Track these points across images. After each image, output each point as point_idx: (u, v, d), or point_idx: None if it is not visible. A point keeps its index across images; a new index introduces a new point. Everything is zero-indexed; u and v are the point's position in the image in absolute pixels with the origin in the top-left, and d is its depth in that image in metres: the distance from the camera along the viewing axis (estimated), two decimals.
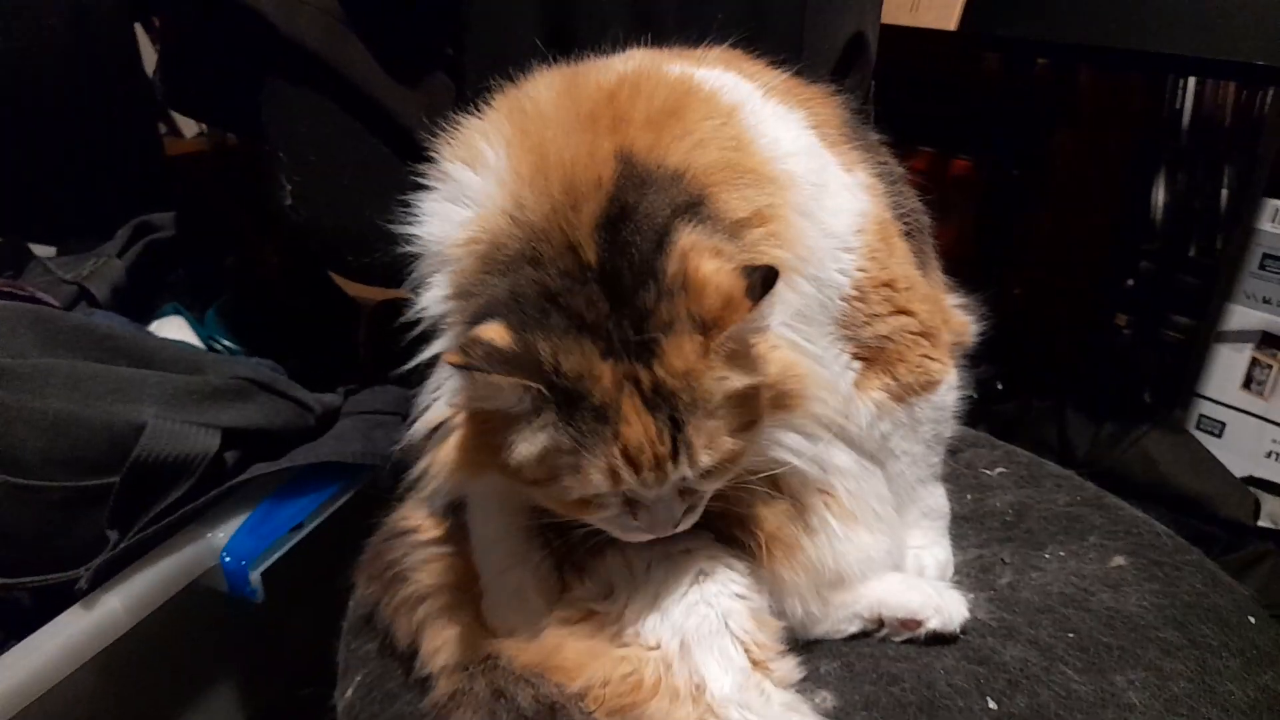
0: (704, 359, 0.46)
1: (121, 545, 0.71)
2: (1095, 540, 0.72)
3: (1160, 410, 1.50)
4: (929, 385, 0.63)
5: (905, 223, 0.65)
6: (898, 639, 0.63)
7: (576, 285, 0.46)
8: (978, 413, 0.73)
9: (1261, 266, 1.39)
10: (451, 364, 0.45)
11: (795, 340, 0.53)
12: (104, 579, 0.71)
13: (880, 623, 0.63)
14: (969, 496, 0.80)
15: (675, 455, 0.47)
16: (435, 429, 0.54)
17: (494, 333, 0.45)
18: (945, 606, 0.62)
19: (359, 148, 0.82)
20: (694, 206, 0.49)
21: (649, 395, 0.46)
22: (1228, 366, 1.45)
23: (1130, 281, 1.59)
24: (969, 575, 0.70)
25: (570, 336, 0.46)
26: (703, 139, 0.51)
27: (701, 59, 0.62)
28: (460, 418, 0.51)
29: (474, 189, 0.53)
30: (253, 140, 0.85)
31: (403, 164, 0.80)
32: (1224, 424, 1.47)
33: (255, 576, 0.78)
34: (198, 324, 1.01)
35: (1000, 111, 1.55)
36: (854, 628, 0.63)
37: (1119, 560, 0.69)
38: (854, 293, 0.57)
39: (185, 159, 1.46)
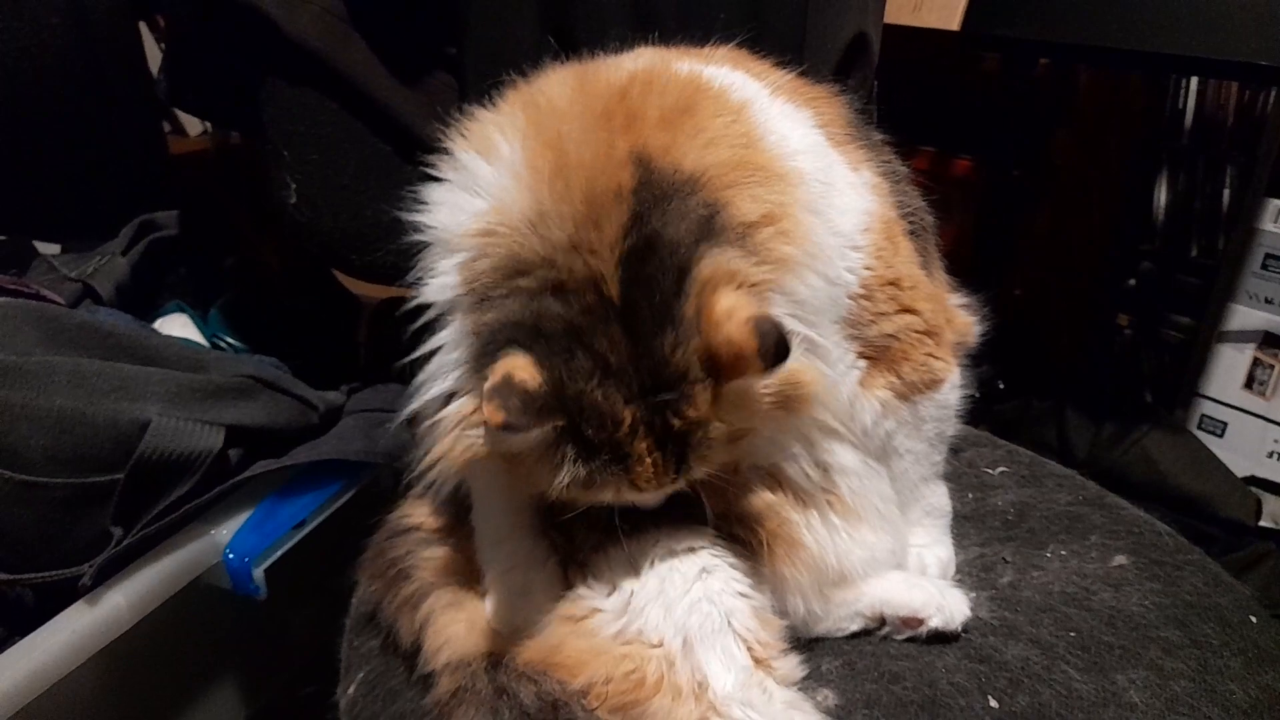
0: (713, 406, 0.48)
1: (125, 542, 0.71)
2: (1096, 540, 0.72)
3: (1161, 410, 1.50)
4: (933, 384, 0.63)
5: (909, 222, 0.65)
6: (899, 637, 0.63)
7: (600, 325, 0.48)
8: (979, 412, 0.73)
9: (1263, 266, 1.39)
10: (491, 422, 0.45)
11: (805, 334, 0.53)
12: (107, 576, 0.71)
13: (882, 621, 0.63)
14: (970, 495, 0.80)
15: (676, 476, 0.51)
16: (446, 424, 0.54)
17: (525, 372, 0.46)
18: (947, 605, 0.62)
19: (361, 147, 0.82)
20: (710, 219, 0.49)
21: (660, 437, 0.49)
22: (1229, 366, 1.45)
23: (1131, 281, 1.59)
24: (970, 574, 0.70)
25: (594, 381, 0.47)
26: (714, 137, 0.51)
27: (709, 57, 0.62)
28: (475, 420, 0.51)
29: (487, 179, 0.53)
30: (256, 139, 0.85)
31: (405, 163, 0.81)
32: (1225, 424, 1.47)
33: (258, 574, 0.78)
34: (201, 322, 1.02)
35: (1002, 111, 1.55)
36: (856, 626, 0.63)
37: (1120, 559, 0.69)
38: (860, 291, 0.57)
39: (189, 157, 1.46)
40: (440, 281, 0.54)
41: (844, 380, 0.59)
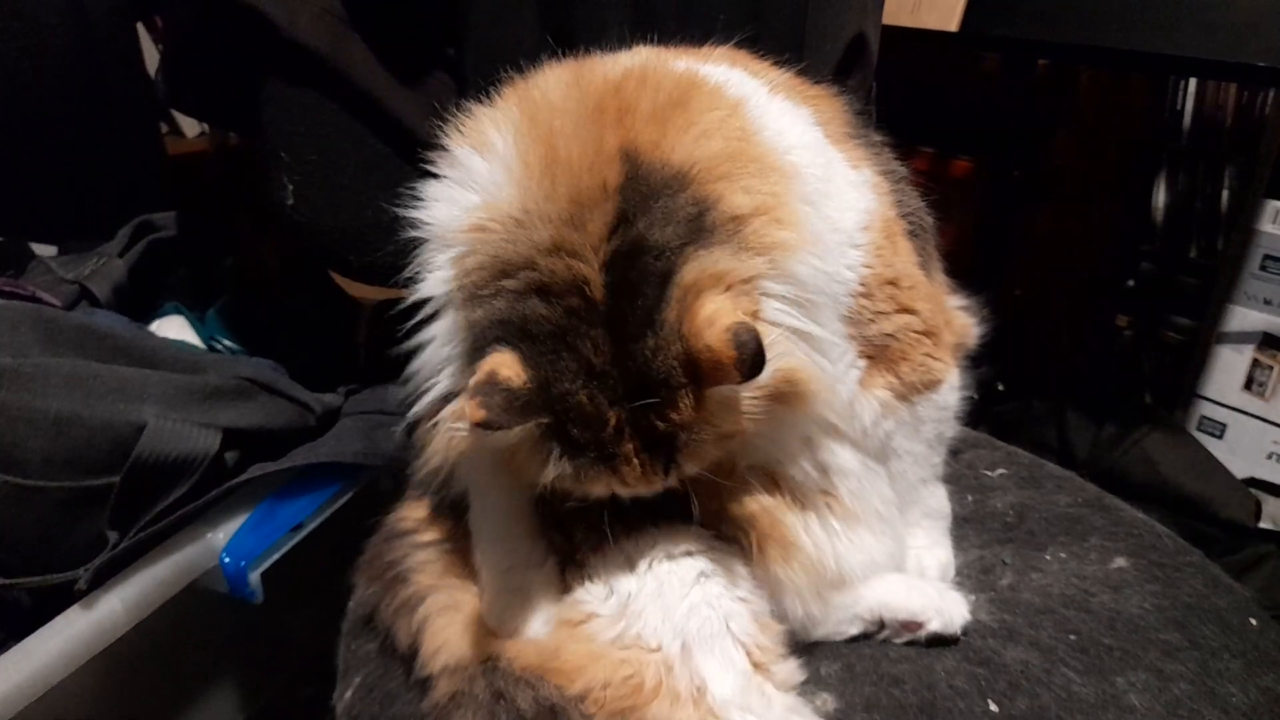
0: (696, 410, 0.49)
1: (121, 545, 0.71)
2: (1096, 542, 0.71)
3: (1161, 411, 1.50)
4: (931, 384, 0.63)
5: (909, 223, 0.65)
6: (898, 640, 0.63)
7: (584, 327, 0.48)
8: (978, 413, 0.73)
9: (1262, 267, 1.39)
10: (473, 419, 0.45)
11: (806, 328, 0.52)
12: (104, 579, 0.71)
13: (881, 624, 0.63)
14: (970, 497, 0.80)
15: (665, 475, 0.51)
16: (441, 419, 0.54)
17: (510, 370, 0.46)
18: (946, 608, 0.62)
19: (360, 148, 0.82)
20: (700, 217, 0.49)
21: (646, 439, 0.49)
22: (1228, 368, 1.45)
23: (1131, 282, 1.59)
24: (970, 576, 0.70)
25: (580, 382, 0.48)
26: (707, 130, 0.51)
27: (707, 56, 0.62)
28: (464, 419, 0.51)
29: (481, 175, 0.53)
30: (254, 140, 0.85)
31: (404, 164, 0.80)
32: (1225, 425, 1.47)
33: (255, 577, 0.78)
34: (199, 324, 1.01)
35: (1001, 112, 1.55)
36: (855, 629, 0.63)
37: (1120, 562, 0.69)
38: (860, 289, 0.57)
39: (187, 159, 1.46)
40: (436, 276, 0.54)
41: (845, 378, 0.59)
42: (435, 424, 0.54)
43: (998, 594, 0.67)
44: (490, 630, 0.60)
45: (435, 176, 0.56)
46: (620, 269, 0.48)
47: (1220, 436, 1.47)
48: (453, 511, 0.65)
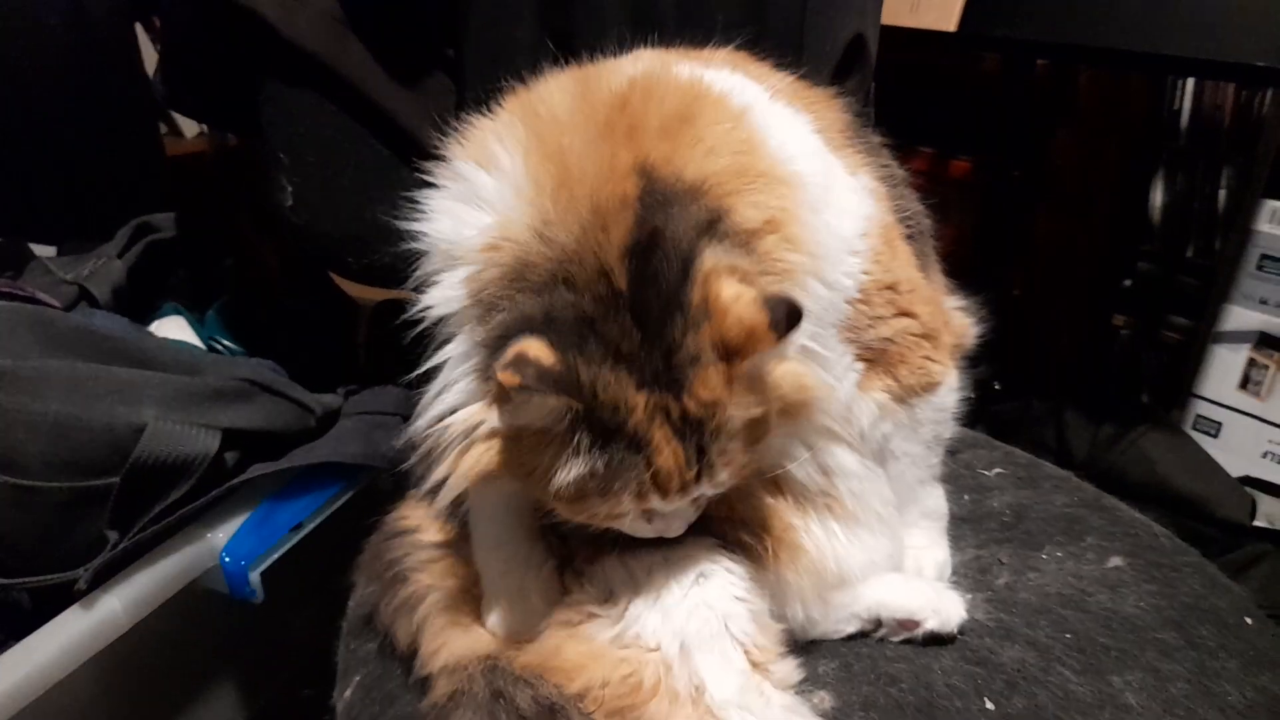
0: (727, 388, 0.48)
1: (121, 546, 0.71)
2: (1093, 541, 0.72)
3: (1158, 411, 1.50)
4: (930, 386, 0.63)
5: (907, 225, 0.65)
6: (896, 639, 0.63)
7: (610, 313, 0.47)
8: (976, 413, 0.73)
9: (1259, 267, 1.40)
10: (506, 384, 0.45)
11: (807, 345, 0.53)
12: (103, 580, 0.71)
13: (878, 623, 0.63)
14: (967, 497, 0.80)
15: (698, 476, 0.49)
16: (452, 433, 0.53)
17: (539, 350, 0.46)
18: (943, 607, 0.62)
19: (359, 149, 0.81)
20: (713, 224, 0.49)
21: (678, 424, 0.47)
22: (1225, 367, 1.45)
23: (1128, 282, 1.60)
24: (967, 576, 0.70)
25: (607, 365, 0.47)
26: (715, 145, 0.51)
27: (709, 60, 0.62)
28: (485, 430, 0.50)
29: (489, 192, 0.52)
30: (252, 141, 0.85)
31: (403, 166, 0.80)
32: (1220, 424, 1.47)
33: (255, 577, 0.78)
34: (198, 324, 1.02)
35: (999, 112, 1.55)
36: (852, 628, 0.63)
37: (1117, 561, 0.69)
38: (858, 295, 0.57)
39: (186, 159, 1.46)
40: (443, 293, 0.53)
41: (842, 383, 0.59)
42: (444, 431, 0.53)
43: (995, 593, 0.68)
44: (490, 630, 0.60)
45: (434, 186, 0.56)
46: (641, 259, 0.47)
47: (1216, 436, 1.48)
48: (453, 512, 0.65)
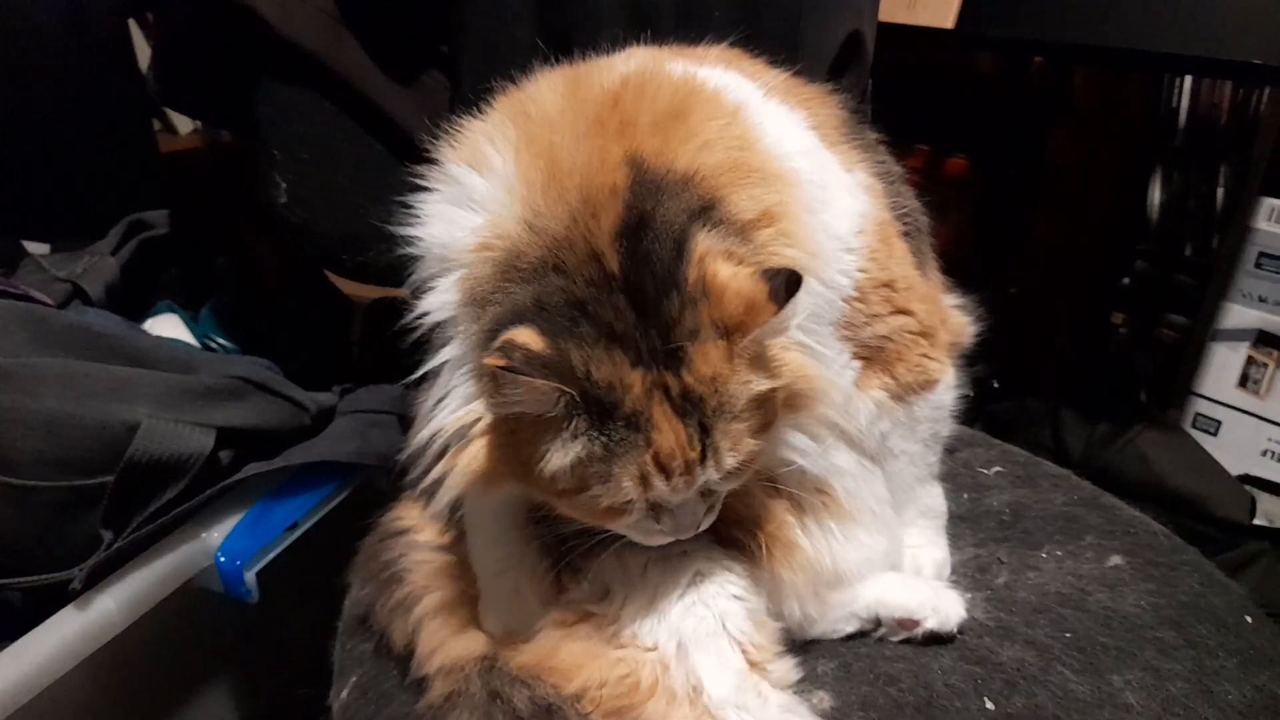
0: (729, 363, 0.47)
1: (115, 545, 0.71)
2: (1092, 540, 0.72)
3: (1156, 409, 1.50)
4: (927, 384, 0.63)
5: (904, 223, 0.65)
6: (895, 639, 0.63)
7: (603, 294, 0.47)
8: (973, 411, 0.73)
9: (1257, 265, 1.39)
10: (493, 367, 0.44)
11: (805, 341, 0.53)
12: (98, 579, 0.70)
13: (877, 623, 0.63)
14: (966, 496, 0.80)
15: (703, 459, 0.48)
16: (447, 432, 0.52)
17: (527, 337, 0.45)
18: (942, 606, 0.62)
19: (354, 146, 0.81)
20: (707, 211, 0.49)
21: (678, 402, 0.47)
22: (1223, 365, 1.45)
23: (1126, 280, 1.59)
24: (966, 575, 0.70)
25: (600, 346, 0.46)
26: (709, 140, 0.51)
27: (702, 58, 0.61)
28: (482, 426, 0.50)
29: (481, 193, 0.52)
30: (247, 138, 0.85)
31: (398, 163, 0.80)
32: (1219, 422, 1.47)
33: (250, 577, 0.77)
34: (192, 322, 1.01)
35: (996, 110, 1.55)
36: (851, 628, 0.63)
37: (1116, 560, 0.69)
38: (854, 293, 0.57)
39: (180, 156, 1.45)
40: (439, 298, 0.53)
41: (840, 379, 0.58)
42: (431, 422, 0.53)
43: (994, 592, 0.67)
44: (486, 631, 0.60)
45: (427, 189, 0.55)
46: (632, 241, 0.47)
47: (1215, 434, 1.47)
48: (449, 512, 0.64)
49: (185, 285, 1.06)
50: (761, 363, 0.48)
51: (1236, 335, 1.42)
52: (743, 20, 0.75)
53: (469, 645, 0.59)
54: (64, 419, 0.71)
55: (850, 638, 0.63)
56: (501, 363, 0.44)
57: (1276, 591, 1.20)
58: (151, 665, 0.78)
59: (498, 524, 0.60)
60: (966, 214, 1.60)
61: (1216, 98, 1.45)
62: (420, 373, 0.55)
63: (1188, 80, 1.46)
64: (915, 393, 0.63)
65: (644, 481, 0.47)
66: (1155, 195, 1.54)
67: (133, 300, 1.01)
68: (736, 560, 0.57)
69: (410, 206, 0.55)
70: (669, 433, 0.46)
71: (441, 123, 0.57)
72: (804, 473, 0.58)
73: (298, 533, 0.83)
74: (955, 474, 0.81)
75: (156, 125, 1.46)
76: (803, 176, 0.54)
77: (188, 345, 0.96)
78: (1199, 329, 1.46)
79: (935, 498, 0.71)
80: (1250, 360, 1.42)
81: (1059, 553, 0.71)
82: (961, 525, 0.75)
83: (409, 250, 0.55)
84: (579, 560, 0.57)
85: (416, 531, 0.67)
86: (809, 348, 0.53)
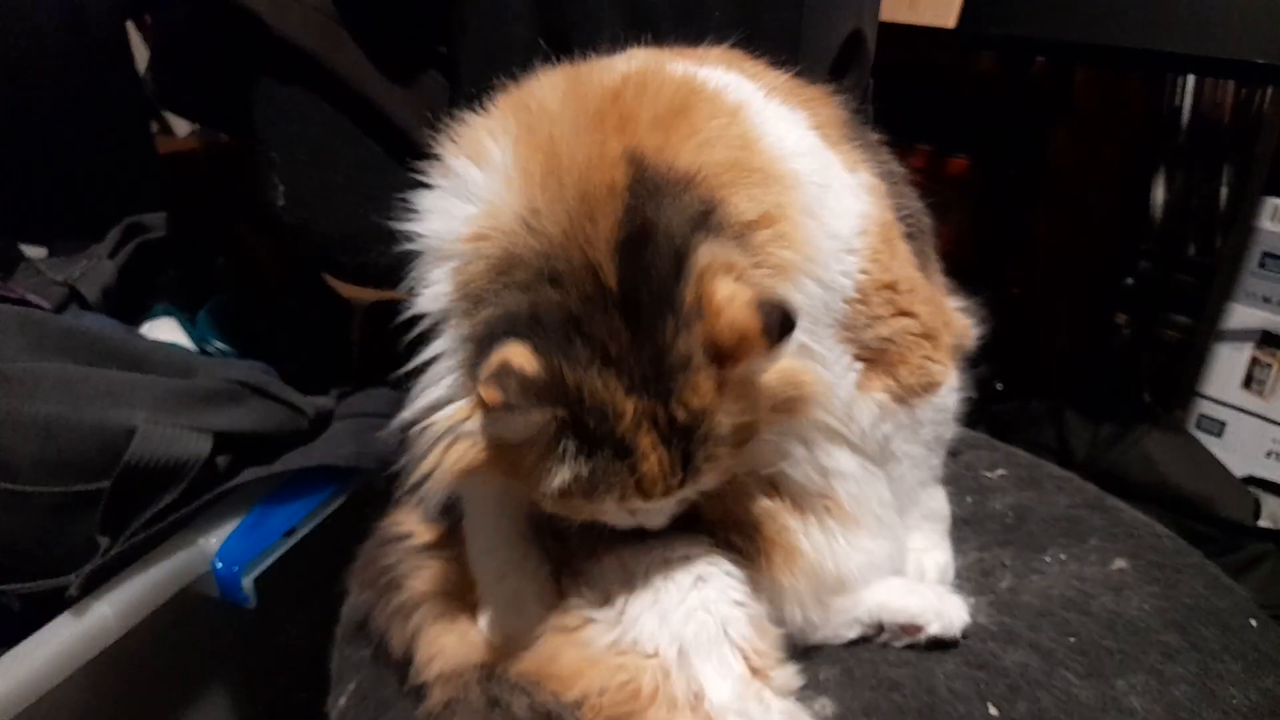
0: (717, 395, 0.47)
1: (112, 551, 0.70)
2: (1096, 543, 0.71)
3: (1160, 410, 1.50)
4: (930, 387, 0.62)
5: (907, 224, 0.65)
6: (898, 644, 0.62)
7: (598, 312, 0.46)
8: (976, 413, 0.73)
9: (1261, 265, 1.39)
10: (490, 402, 0.44)
11: (805, 342, 0.52)
12: (94, 585, 0.70)
13: (880, 628, 0.62)
14: (969, 499, 0.79)
15: (683, 482, 0.49)
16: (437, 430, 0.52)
17: (522, 358, 0.45)
18: (946, 611, 0.61)
19: (352, 147, 0.81)
20: (706, 215, 0.48)
21: (664, 431, 0.47)
22: (1227, 366, 1.44)
23: (1129, 281, 1.59)
24: (969, 579, 0.69)
25: (594, 369, 0.46)
26: (709, 138, 0.51)
27: (703, 58, 0.61)
28: (470, 427, 0.50)
29: (479, 185, 0.52)
30: (245, 139, 0.84)
31: (396, 164, 0.80)
32: (1224, 424, 1.47)
33: (248, 582, 0.77)
34: (189, 326, 1.01)
35: (998, 110, 1.55)
36: (854, 633, 0.63)
37: (1120, 563, 0.68)
38: (856, 295, 0.56)
39: (178, 158, 1.45)
40: (434, 291, 0.53)
41: (841, 383, 0.58)
42: (427, 427, 0.52)
43: (997, 596, 0.67)
44: (485, 637, 0.59)
45: (428, 186, 0.55)
46: (631, 254, 0.47)
47: (1219, 435, 1.47)
48: (447, 517, 0.64)
49: (183, 287, 1.06)
50: (750, 390, 0.49)
51: (1240, 336, 1.42)
52: (743, 20, 0.74)
53: (468, 652, 0.59)
54: (61, 423, 0.71)
55: (853, 643, 0.63)
56: (500, 399, 0.44)
57: None
58: (149, 671, 0.77)
59: (497, 529, 0.59)
60: (968, 214, 1.60)
61: (1219, 97, 1.45)
62: (410, 366, 0.54)
63: (1190, 79, 1.46)
64: (918, 395, 0.62)
65: (624, 500, 0.49)
66: (1158, 195, 1.53)
67: (130, 303, 1.00)
68: (738, 565, 0.57)
69: (411, 203, 0.55)
70: (654, 461, 0.47)
71: (440, 123, 0.56)
72: (806, 477, 0.57)
73: (295, 538, 0.82)
74: (958, 476, 0.81)
75: (154, 127, 1.46)
76: (804, 177, 0.53)
77: (185, 349, 0.95)
78: (1203, 329, 1.46)
79: (938, 501, 0.71)
80: (1255, 361, 1.41)
81: (1063, 556, 0.70)
82: (965, 528, 0.75)
83: (408, 247, 0.55)
84: (580, 566, 0.56)
85: (415, 537, 0.67)
86: (808, 349, 0.53)
